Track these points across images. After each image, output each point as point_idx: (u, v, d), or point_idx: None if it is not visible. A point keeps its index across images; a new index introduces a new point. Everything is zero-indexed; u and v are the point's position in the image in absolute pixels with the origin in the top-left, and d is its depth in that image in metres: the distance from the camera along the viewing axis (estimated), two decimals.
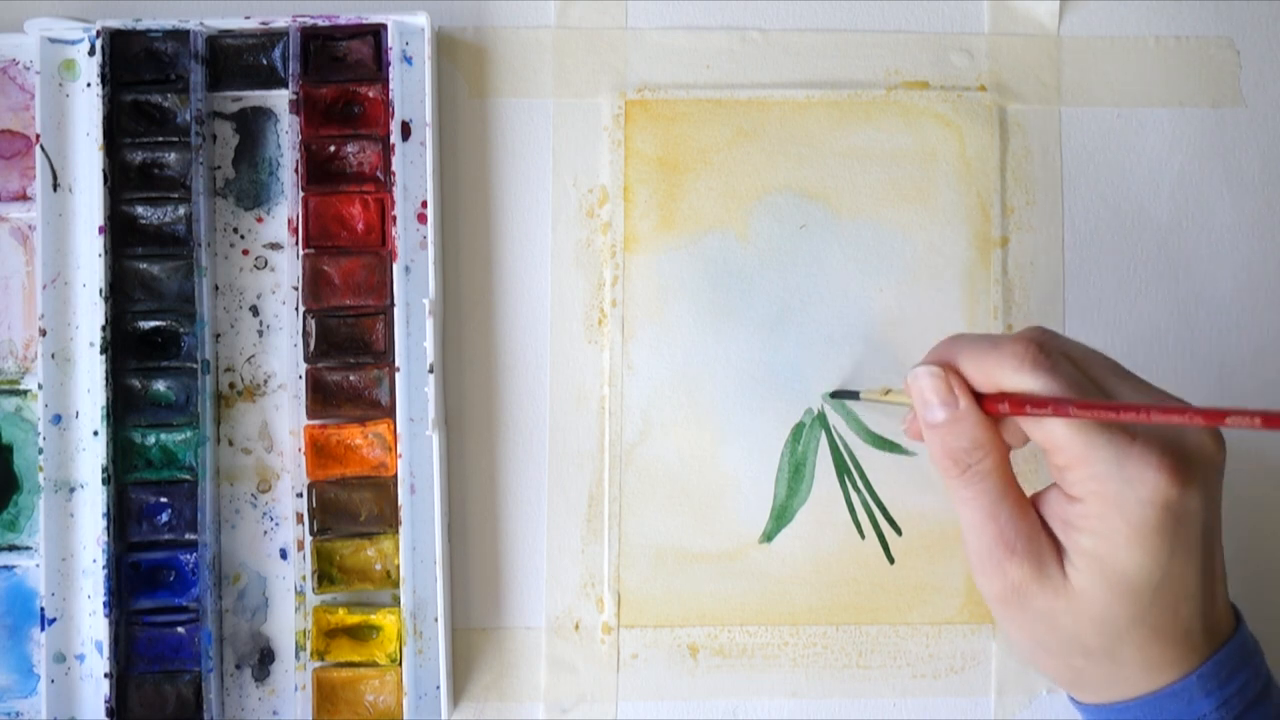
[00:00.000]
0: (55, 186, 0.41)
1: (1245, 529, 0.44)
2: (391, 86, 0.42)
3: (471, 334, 0.44)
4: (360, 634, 0.41)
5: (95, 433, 0.41)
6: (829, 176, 0.44)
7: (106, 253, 0.41)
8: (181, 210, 0.42)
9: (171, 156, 0.42)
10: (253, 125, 0.43)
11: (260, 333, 0.43)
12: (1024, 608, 0.32)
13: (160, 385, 0.42)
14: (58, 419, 0.41)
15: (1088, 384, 0.31)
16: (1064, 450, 0.30)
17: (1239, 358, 0.44)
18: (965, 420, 0.32)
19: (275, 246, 0.43)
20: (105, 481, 0.41)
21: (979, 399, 0.32)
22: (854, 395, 0.42)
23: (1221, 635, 0.32)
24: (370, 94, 0.42)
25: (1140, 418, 0.28)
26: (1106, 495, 0.30)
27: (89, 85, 0.41)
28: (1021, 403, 0.31)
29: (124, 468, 0.41)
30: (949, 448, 0.32)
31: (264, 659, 0.43)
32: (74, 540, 0.41)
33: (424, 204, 0.42)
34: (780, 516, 0.43)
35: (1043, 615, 0.31)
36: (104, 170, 0.41)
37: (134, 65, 0.42)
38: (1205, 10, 0.45)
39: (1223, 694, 0.31)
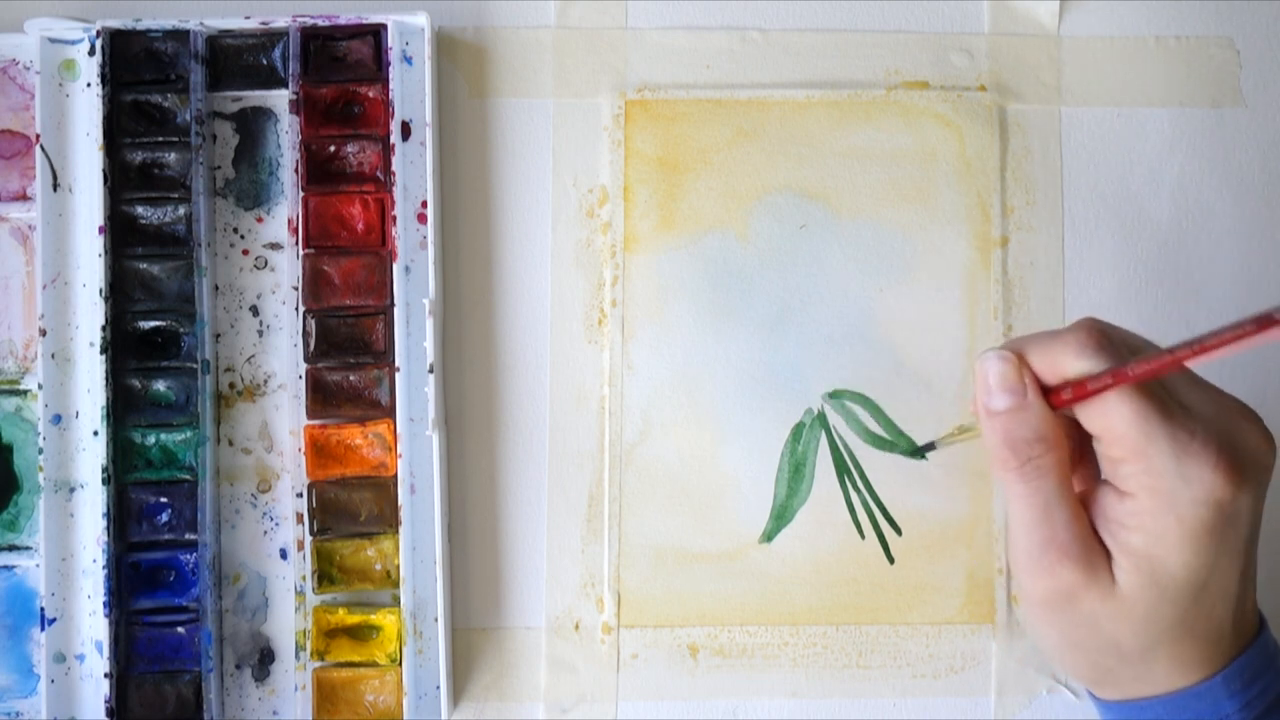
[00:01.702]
0: (55, 186, 0.41)
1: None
2: (391, 86, 0.42)
3: (471, 334, 0.44)
4: (360, 634, 0.41)
5: (95, 433, 0.41)
6: (829, 176, 0.44)
7: (106, 253, 0.41)
8: (181, 210, 0.42)
9: (171, 156, 0.42)
10: (253, 125, 0.43)
11: (260, 333, 0.43)
12: (1068, 611, 0.31)
13: (160, 385, 0.42)
14: (58, 419, 0.41)
15: (1158, 386, 0.30)
16: (1122, 441, 0.30)
17: (1239, 358, 0.44)
18: (1031, 410, 0.31)
19: (275, 246, 0.43)
20: (105, 481, 0.41)
21: (1045, 393, 0.31)
22: (931, 447, 0.41)
23: (1247, 636, 0.32)
24: (370, 94, 0.42)
25: (1198, 354, 0.28)
26: (1161, 491, 0.29)
27: (89, 85, 0.41)
28: (1083, 384, 0.30)
29: (124, 468, 0.41)
30: (1011, 437, 0.31)
31: (264, 659, 0.43)
32: (74, 540, 0.41)
33: (424, 204, 0.42)
34: (780, 516, 0.43)
35: (1085, 618, 0.31)
36: (104, 170, 0.41)
37: (134, 65, 0.42)
38: (1205, 10, 0.45)
39: (1246, 695, 0.31)
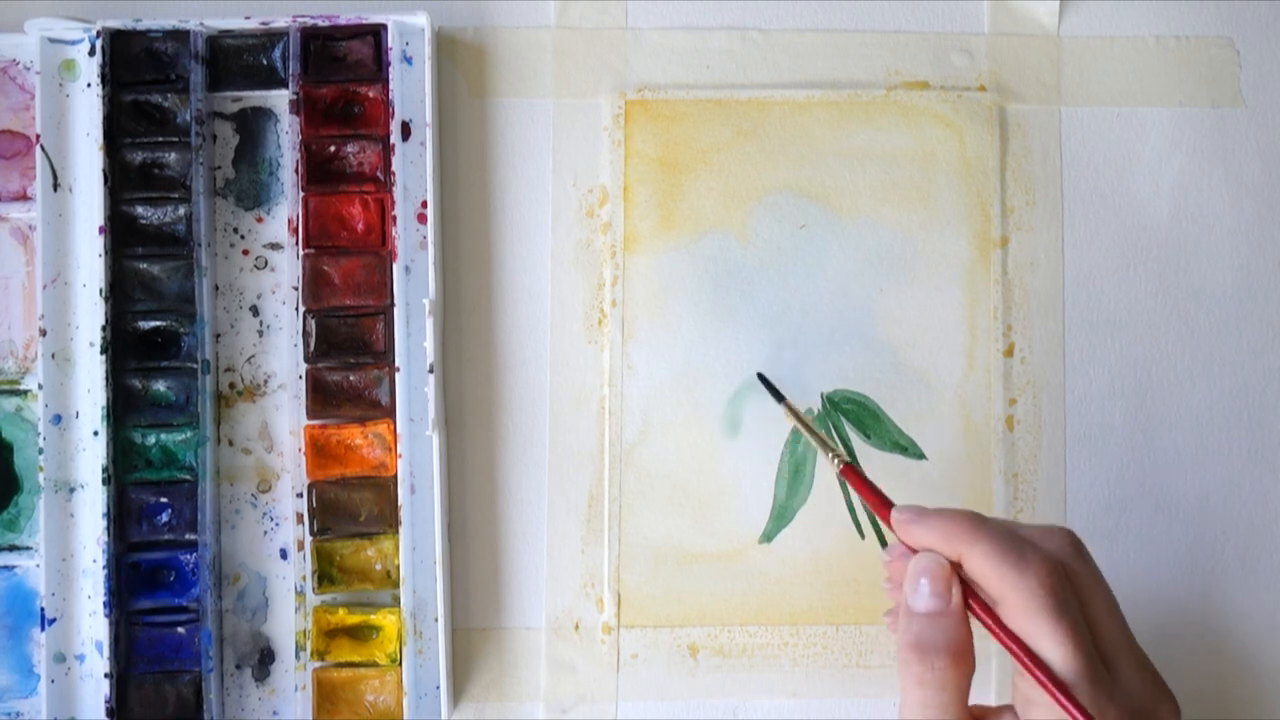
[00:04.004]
0: (55, 186, 0.41)
1: None
2: (391, 86, 0.42)
3: (471, 334, 0.44)
4: (360, 634, 0.41)
5: (95, 433, 0.41)
6: (829, 176, 0.44)
7: (106, 253, 0.41)
8: (181, 210, 0.42)
9: (171, 156, 0.42)
10: (253, 125, 0.43)
11: (260, 333, 0.43)
12: None
13: (160, 385, 0.42)
14: (58, 419, 0.41)
15: (1094, 653, 0.30)
16: (1040, 687, 0.29)
17: (1239, 358, 0.44)
18: (950, 617, 0.31)
19: (275, 246, 0.43)
20: (105, 481, 0.41)
21: (967, 597, 0.31)
22: (780, 397, 0.41)
23: None
24: (370, 94, 0.42)
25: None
26: None
27: (89, 85, 0.41)
28: (1025, 661, 0.30)
29: (124, 468, 0.41)
30: (921, 640, 0.31)
31: (264, 659, 0.43)
32: (74, 540, 0.41)
33: (424, 204, 0.42)
34: (780, 516, 0.43)
35: None
36: (104, 170, 0.41)
37: (134, 65, 0.42)
38: (1205, 10, 0.45)
39: None
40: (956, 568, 0.32)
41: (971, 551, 0.31)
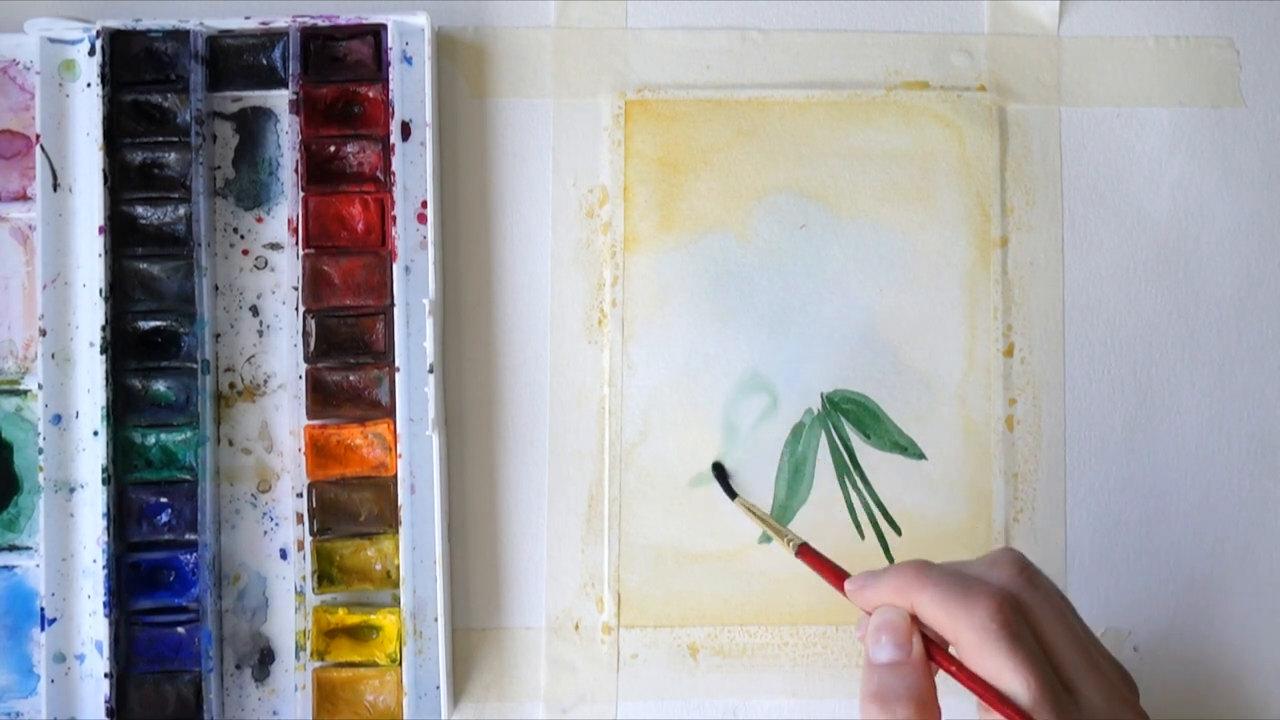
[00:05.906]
0: (55, 186, 0.41)
1: None
2: (391, 86, 0.42)
3: (471, 334, 0.44)
4: (360, 634, 0.42)
5: (95, 433, 0.41)
6: (829, 176, 0.44)
7: (106, 253, 0.41)
8: (181, 210, 0.42)
9: (171, 156, 0.42)
10: (253, 125, 0.43)
11: (260, 333, 0.43)
12: None
13: (160, 385, 0.42)
14: (58, 419, 0.41)
15: (1053, 678, 0.30)
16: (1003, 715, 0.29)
17: (1239, 358, 0.44)
18: (912, 667, 0.31)
19: (275, 246, 0.43)
20: (105, 481, 0.41)
21: (929, 646, 0.31)
22: (732, 495, 0.42)
23: None
24: (370, 94, 0.42)
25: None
26: None
27: (89, 85, 0.41)
28: (990, 699, 0.30)
29: (124, 468, 0.41)
30: (883, 691, 0.31)
31: (264, 659, 0.43)
32: (74, 540, 0.41)
33: (424, 204, 0.42)
34: (780, 517, 0.43)
35: None
36: (104, 170, 0.41)
37: (134, 65, 0.42)
38: (1205, 10, 0.45)
39: None
40: (916, 622, 0.32)
41: (920, 600, 0.31)
